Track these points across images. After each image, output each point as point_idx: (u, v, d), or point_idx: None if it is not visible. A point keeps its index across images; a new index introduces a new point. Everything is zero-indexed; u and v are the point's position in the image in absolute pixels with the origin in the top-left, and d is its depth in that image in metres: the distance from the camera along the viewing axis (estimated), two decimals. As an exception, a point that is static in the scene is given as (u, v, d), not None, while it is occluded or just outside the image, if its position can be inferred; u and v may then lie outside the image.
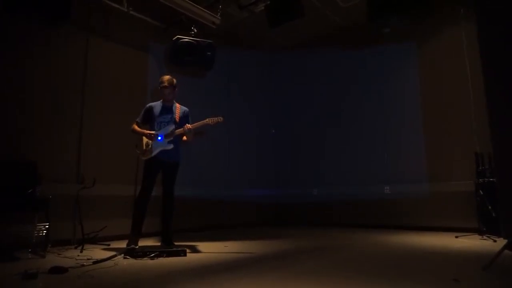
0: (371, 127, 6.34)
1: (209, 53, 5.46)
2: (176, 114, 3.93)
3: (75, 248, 3.84)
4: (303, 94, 7.37)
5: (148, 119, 3.96)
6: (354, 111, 6.59)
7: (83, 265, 2.83)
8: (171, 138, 3.82)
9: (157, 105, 4.00)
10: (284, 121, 7.66)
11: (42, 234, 3.58)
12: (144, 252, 3.24)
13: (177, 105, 4.02)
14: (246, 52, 7.14)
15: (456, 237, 4.40)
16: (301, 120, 7.35)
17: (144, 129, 3.90)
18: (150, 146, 3.83)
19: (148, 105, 4.03)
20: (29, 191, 3.71)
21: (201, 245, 4.04)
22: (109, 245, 4.10)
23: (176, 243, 3.81)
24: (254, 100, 7.37)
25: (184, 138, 3.86)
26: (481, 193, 4.42)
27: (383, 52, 6.25)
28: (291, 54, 7.62)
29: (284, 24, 5.26)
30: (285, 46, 7.63)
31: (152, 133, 3.82)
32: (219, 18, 5.53)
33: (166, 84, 3.90)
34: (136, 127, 3.93)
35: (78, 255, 3.34)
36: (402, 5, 4.75)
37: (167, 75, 4.04)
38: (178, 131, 3.80)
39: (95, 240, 4.22)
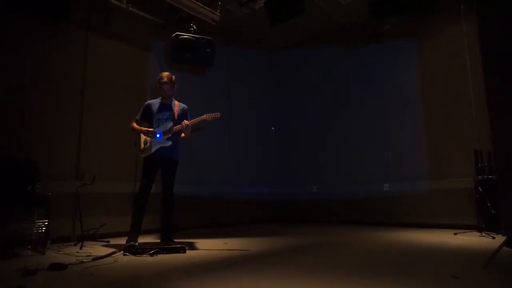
0: (372, 124, 6.33)
1: (208, 50, 5.44)
2: (175, 111, 3.93)
3: (75, 245, 3.85)
4: (304, 92, 7.37)
5: (147, 117, 3.96)
6: (355, 109, 6.58)
7: (82, 262, 2.84)
8: (170, 135, 3.82)
9: (155, 102, 3.99)
10: (285, 118, 7.66)
11: (42, 231, 3.58)
12: (144, 249, 3.25)
13: (176, 102, 4.01)
14: (246, 50, 7.12)
15: (455, 234, 4.41)
16: (301, 118, 7.34)
17: (143, 126, 3.90)
18: (148, 143, 3.82)
19: (146, 103, 4.02)
20: (29, 188, 3.71)
21: (201, 242, 4.05)
22: (108, 242, 4.11)
23: (175, 240, 3.82)
24: (254, 97, 7.35)
25: (182, 135, 3.85)
26: (480, 190, 4.41)
27: (384, 50, 6.24)
28: (292, 51, 7.61)
29: (285, 22, 5.24)
30: (286, 44, 7.61)
31: (150, 131, 3.81)
32: (219, 14, 5.51)
33: (165, 79, 3.89)
34: (135, 125, 3.93)
35: (78, 252, 3.36)
36: (402, 3, 4.74)
37: (166, 71, 4.03)
38: (176, 127, 3.80)
39: (94, 237, 4.25)
